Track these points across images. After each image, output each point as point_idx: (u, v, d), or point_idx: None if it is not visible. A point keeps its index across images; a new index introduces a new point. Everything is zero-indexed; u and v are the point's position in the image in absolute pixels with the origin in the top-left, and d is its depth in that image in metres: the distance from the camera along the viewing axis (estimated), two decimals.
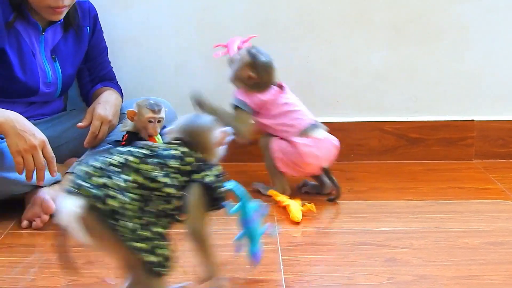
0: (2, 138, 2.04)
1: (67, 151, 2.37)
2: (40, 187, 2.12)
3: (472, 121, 2.70)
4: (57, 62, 2.32)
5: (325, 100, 2.71)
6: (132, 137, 2.18)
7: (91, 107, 2.32)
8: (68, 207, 1.39)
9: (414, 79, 2.70)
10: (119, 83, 2.53)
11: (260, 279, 1.78)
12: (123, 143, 2.17)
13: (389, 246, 1.97)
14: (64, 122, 2.41)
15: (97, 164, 1.44)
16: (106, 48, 2.50)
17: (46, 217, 2.06)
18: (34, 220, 2.07)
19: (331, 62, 2.69)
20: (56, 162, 2.25)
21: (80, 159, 2.27)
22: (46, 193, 2.09)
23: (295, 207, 2.17)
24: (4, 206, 2.16)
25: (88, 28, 2.40)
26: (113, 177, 1.42)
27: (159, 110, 2.15)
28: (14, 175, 2.05)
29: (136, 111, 2.15)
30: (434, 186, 2.46)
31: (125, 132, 2.20)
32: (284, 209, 2.19)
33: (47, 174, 2.07)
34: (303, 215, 2.16)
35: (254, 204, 1.77)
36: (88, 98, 2.49)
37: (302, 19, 2.65)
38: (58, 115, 2.43)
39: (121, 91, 2.49)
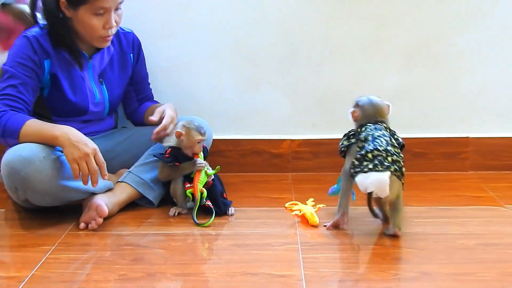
0: (61, 151, 2.05)
1: (118, 163, 2.37)
2: (95, 194, 2.13)
3: (467, 137, 2.66)
4: (104, 85, 2.32)
5: (342, 119, 2.61)
6: (175, 152, 2.19)
7: (161, 108, 2.32)
8: (382, 177, 1.92)
9: (420, 100, 2.66)
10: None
11: (282, 274, 1.76)
12: (167, 156, 2.19)
13: (395, 246, 1.95)
14: (115, 137, 2.42)
15: (383, 148, 1.97)
16: (147, 74, 2.51)
17: (100, 220, 2.07)
18: (90, 223, 2.07)
19: (351, 84, 2.65)
20: (109, 172, 2.27)
21: (129, 169, 2.28)
22: (100, 199, 2.10)
23: (310, 211, 2.14)
24: (65, 211, 2.18)
25: (131, 55, 2.40)
26: (394, 155, 1.95)
27: (205, 133, 2.19)
28: (73, 184, 2.06)
29: (184, 132, 2.17)
30: (435, 194, 2.42)
31: (168, 147, 2.21)
32: (303, 217, 2.16)
33: (100, 180, 2.08)
34: (321, 219, 2.13)
35: None
36: (138, 113, 2.49)
37: (325, 45, 2.62)
38: (111, 132, 2.44)
39: None
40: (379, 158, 1.97)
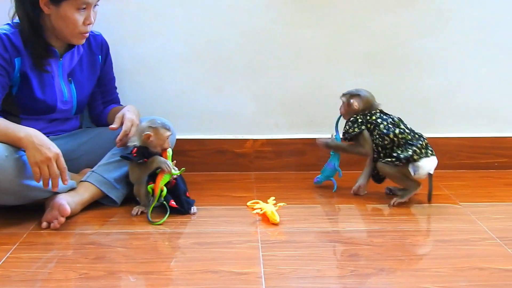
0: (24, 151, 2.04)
1: (82, 162, 2.37)
2: (58, 193, 2.12)
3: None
4: (73, 84, 2.32)
5: (305, 120, 2.71)
6: (142, 150, 2.19)
7: (120, 114, 2.30)
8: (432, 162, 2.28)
9: (381, 102, 2.69)
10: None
11: (242, 272, 1.78)
12: (135, 155, 2.19)
13: (353, 243, 1.98)
14: (80, 137, 2.41)
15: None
16: (114, 77, 2.51)
17: (62, 219, 2.06)
18: (53, 222, 2.06)
19: (311, 87, 2.69)
20: (72, 172, 2.28)
21: (93, 169, 2.27)
22: (63, 199, 2.09)
23: (270, 210, 2.16)
24: (27, 210, 2.16)
25: (99, 57, 2.40)
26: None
27: (170, 127, 2.22)
28: (35, 183, 2.05)
29: (152, 133, 2.18)
30: None
31: (134, 146, 2.21)
32: (264, 215, 2.17)
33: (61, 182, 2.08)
34: (282, 218, 2.16)
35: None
36: (102, 116, 2.49)
37: (288, 50, 2.65)
38: (75, 132, 2.43)
39: None
40: (426, 144, 2.33)
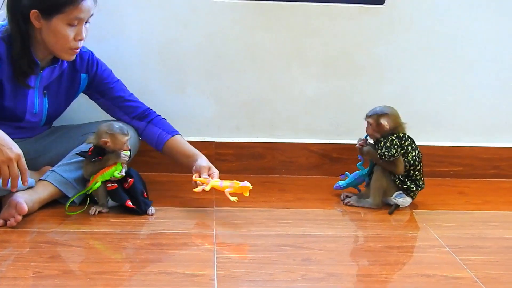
0: None
1: (43, 161, 2.36)
2: (16, 191, 2.11)
3: None
4: (47, 98, 2.30)
5: (265, 124, 2.74)
6: (98, 149, 2.20)
7: (204, 167, 2.33)
8: None
9: (339, 108, 2.75)
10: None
11: (196, 274, 1.79)
12: (90, 153, 2.20)
13: (306, 248, 2.00)
14: (43, 136, 2.41)
15: None
16: (123, 89, 2.44)
17: (19, 217, 2.05)
18: (9, 220, 2.05)
19: (271, 91, 2.72)
20: (32, 170, 2.27)
21: (53, 168, 2.27)
22: (20, 197, 2.08)
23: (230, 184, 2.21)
24: None
25: (83, 75, 2.36)
26: None
27: (128, 132, 2.23)
28: None
29: (109, 139, 2.18)
30: None
31: (91, 145, 2.22)
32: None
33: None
34: (238, 221, 2.19)
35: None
36: (148, 137, 2.44)
37: (247, 53, 2.67)
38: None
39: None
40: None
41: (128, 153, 2.23)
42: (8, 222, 2.05)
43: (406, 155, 2.35)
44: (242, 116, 2.73)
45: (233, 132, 2.73)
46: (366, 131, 2.42)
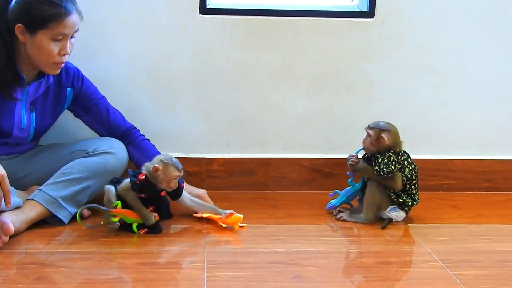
0: None
1: (31, 180, 2.33)
2: (2, 211, 2.08)
3: None
4: (34, 113, 2.29)
5: (255, 140, 2.72)
6: (146, 182, 2.16)
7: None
8: None
9: (330, 123, 2.73)
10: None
11: None
12: (138, 182, 2.15)
13: (298, 264, 1.98)
14: (31, 155, 2.38)
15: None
16: (108, 106, 2.44)
17: (6, 238, 2.02)
18: None
19: (261, 108, 2.70)
20: (20, 189, 2.24)
21: (40, 187, 2.24)
22: (7, 217, 2.05)
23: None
24: None
25: (68, 90, 2.35)
26: None
27: (182, 169, 2.20)
28: None
29: (161, 167, 2.15)
30: None
31: (145, 172, 2.17)
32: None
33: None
34: (228, 238, 2.17)
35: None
36: (135, 157, 2.43)
37: (237, 71, 2.66)
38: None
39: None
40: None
41: (155, 217, 2.19)
42: None
43: (402, 170, 2.34)
44: (232, 133, 2.71)
45: (224, 148, 2.71)
46: (363, 143, 2.40)
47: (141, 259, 1.98)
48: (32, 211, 2.17)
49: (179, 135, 2.67)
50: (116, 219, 2.13)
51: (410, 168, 2.35)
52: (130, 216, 2.16)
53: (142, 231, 2.16)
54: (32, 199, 2.19)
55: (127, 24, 2.59)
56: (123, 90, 2.62)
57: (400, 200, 2.33)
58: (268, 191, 2.68)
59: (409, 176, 2.34)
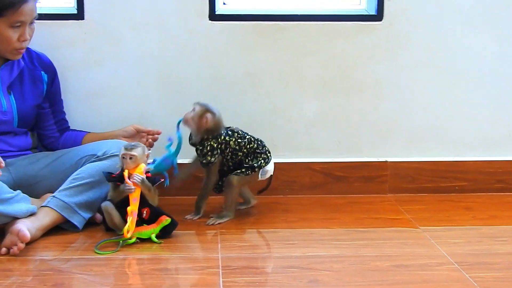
0: None
1: (43, 187, 2.34)
2: (18, 218, 2.10)
3: (386, 161, 2.74)
4: (12, 95, 2.33)
5: (266, 144, 2.71)
6: (121, 175, 2.18)
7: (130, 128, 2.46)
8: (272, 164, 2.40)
9: (340, 126, 2.73)
10: (90, 130, 2.55)
11: None
12: (113, 176, 2.18)
13: (312, 269, 1.98)
14: (40, 161, 2.39)
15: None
16: (62, 100, 2.53)
17: (22, 245, 2.03)
18: (12, 248, 2.03)
19: (270, 112, 2.71)
20: (33, 197, 2.25)
21: (53, 194, 2.25)
22: (22, 224, 2.06)
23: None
24: None
25: (43, 73, 2.41)
26: None
27: (131, 148, 2.18)
28: None
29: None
30: (353, 216, 2.47)
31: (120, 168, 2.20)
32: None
33: (23, 205, 2.12)
34: (243, 243, 2.18)
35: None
36: (59, 142, 2.50)
37: (245, 75, 2.67)
38: (35, 155, 2.41)
39: None
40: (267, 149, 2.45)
41: (133, 184, 2.16)
42: (11, 250, 2.03)
43: (228, 146, 2.35)
44: None
45: None
46: (185, 115, 2.34)
47: (157, 265, 1.99)
48: (46, 218, 2.18)
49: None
50: (133, 240, 2.13)
51: (234, 138, 2.36)
52: (144, 230, 2.16)
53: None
54: (46, 206, 2.20)
55: (136, 29, 2.60)
56: (133, 94, 2.63)
57: (255, 164, 2.38)
58: (280, 196, 2.68)
59: (237, 147, 2.36)
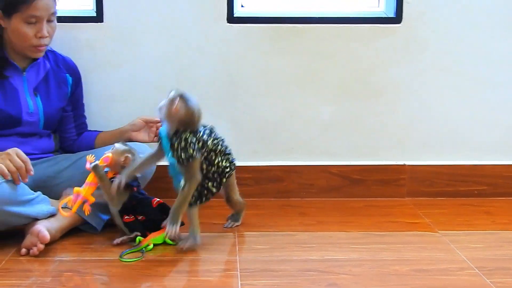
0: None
1: (62, 189, 2.34)
2: (38, 219, 2.11)
3: (404, 165, 2.73)
4: (39, 97, 2.34)
5: (282, 147, 2.72)
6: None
7: (138, 121, 2.44)
8: None
9: (357, 130, 2.73)
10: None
11: None
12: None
13: (331, 272, 1.97)
14: (60, 163, 2.40)
15: None
16: (84, 103, 2.55)
17: (41, 246, 2.04)
18: (32, 249, 2.04)
19: (287, 115, 2.71)
20: (52, 198, 2.26)
21: None
22: (42, 225, 2.07)
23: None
24: (6, 236, 2.14)
25: (68, 76, 2.43)
26: None
27: (113, 148, 2.20)
28: (15, 209, 2.05)
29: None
30: (371, 220, 2.46)
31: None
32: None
33: (43, 206, 2.12)
34: (260, 245, 2.17)
35: None
36: (77, 144, 2.52)
37: (262, 78, 2.68)
38: (55, 157, 2.42)
39: None
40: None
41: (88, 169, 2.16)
42: (31, 251, 2.04)
43: (206, 145, 2.14)
44: (259, 140, 2.72)
45: (251, 156, 2.71)
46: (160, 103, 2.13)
47: (176, 267, 1.99)
48: (65, 219, 2.18)
49: None
50: (150, 247, 2.13)
51: (212, 138, 2.18)
52: (158, 235, 2.16)
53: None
54: (66, 207, 2.21)
55: (154, 33, 2.62)
56: (150, 98, 2.62)
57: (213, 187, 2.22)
58: (297, 199, 2.68)
59: (214, 147, 2.18)
